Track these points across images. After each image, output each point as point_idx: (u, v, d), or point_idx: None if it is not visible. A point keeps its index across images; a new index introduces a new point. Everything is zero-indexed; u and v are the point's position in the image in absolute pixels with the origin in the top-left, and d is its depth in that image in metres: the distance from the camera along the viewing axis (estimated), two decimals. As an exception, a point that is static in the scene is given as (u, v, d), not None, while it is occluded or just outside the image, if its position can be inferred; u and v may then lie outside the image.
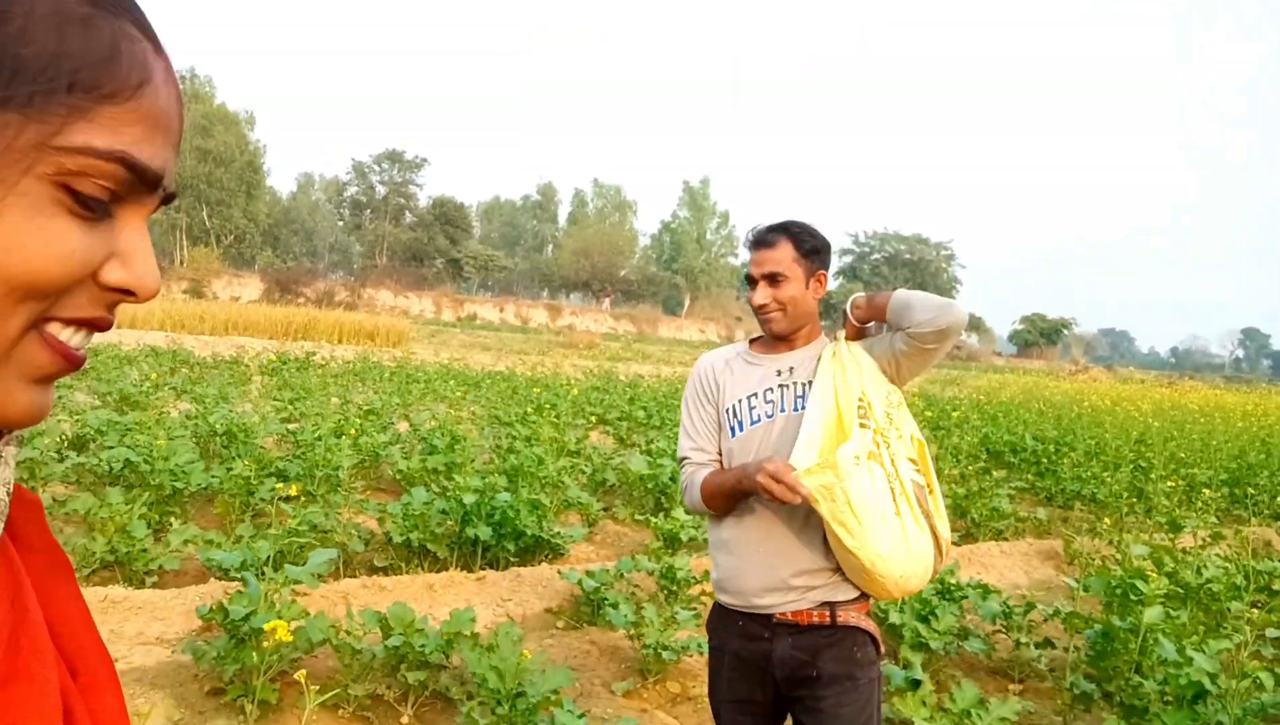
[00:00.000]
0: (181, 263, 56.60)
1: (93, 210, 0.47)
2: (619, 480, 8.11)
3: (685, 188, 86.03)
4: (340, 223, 77.59)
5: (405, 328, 33.57)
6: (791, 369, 2.19)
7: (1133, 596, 4.37)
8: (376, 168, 71.14)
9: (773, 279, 2.12)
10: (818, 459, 1.99)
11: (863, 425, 2.06)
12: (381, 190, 71.16)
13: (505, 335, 44.51)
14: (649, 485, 7.72)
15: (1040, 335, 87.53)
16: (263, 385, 15.07)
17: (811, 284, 2.15)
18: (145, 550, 4.82)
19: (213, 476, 6.11)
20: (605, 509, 7.41)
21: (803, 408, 2.11)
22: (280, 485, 5.82)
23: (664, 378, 22.23)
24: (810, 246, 2.14)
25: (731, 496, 2.13)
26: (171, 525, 5.18)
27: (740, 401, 2.21)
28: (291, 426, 8.66)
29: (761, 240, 2.16)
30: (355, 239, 77.34)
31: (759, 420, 2.17)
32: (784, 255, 2.12)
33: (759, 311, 2.16)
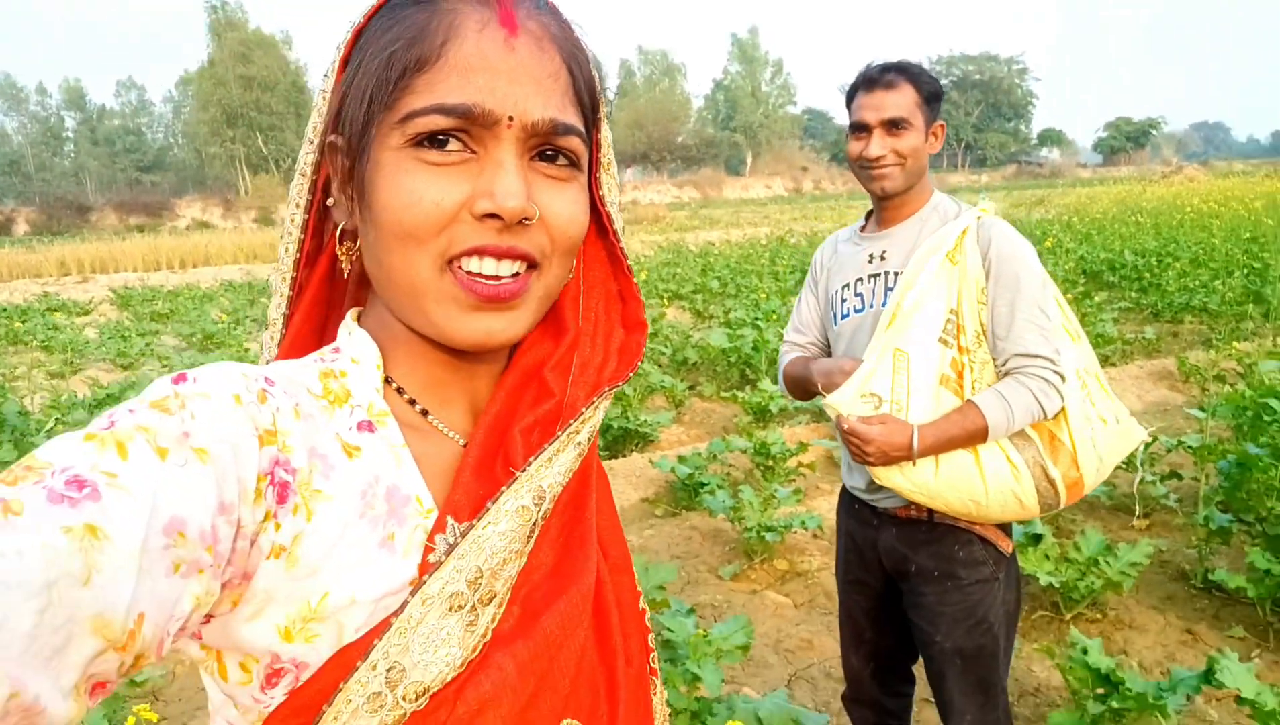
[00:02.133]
0: (246, 192, 57.35)
1: (443, 159, 0.58)
2: (700, 357, 7.96)
3: (734, 40, 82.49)
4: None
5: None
6: (884, 253, 1.93)
7: (1266, 417, 4.05)
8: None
9: (894, 126, 1.83)
10: (860, 396, 1.84)
11: (943, 342, 1.79)
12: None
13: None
14: (731, 359, 7.56)
15: (1127, 140, 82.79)
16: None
17: (929, 137, 1.88)
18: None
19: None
20: (690, 388, 7.29)
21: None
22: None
23: (734, 242, 21.74)
24: (931, 91, 1.87)
25: (807, 392, 2.07)
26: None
27: (836, 292, 2.03)
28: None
29: (878, 80, 1.85)
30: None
31: (848, 315, 1.99)
32: (907, 99, 1.83)
33: (872, 165, 1.86)
